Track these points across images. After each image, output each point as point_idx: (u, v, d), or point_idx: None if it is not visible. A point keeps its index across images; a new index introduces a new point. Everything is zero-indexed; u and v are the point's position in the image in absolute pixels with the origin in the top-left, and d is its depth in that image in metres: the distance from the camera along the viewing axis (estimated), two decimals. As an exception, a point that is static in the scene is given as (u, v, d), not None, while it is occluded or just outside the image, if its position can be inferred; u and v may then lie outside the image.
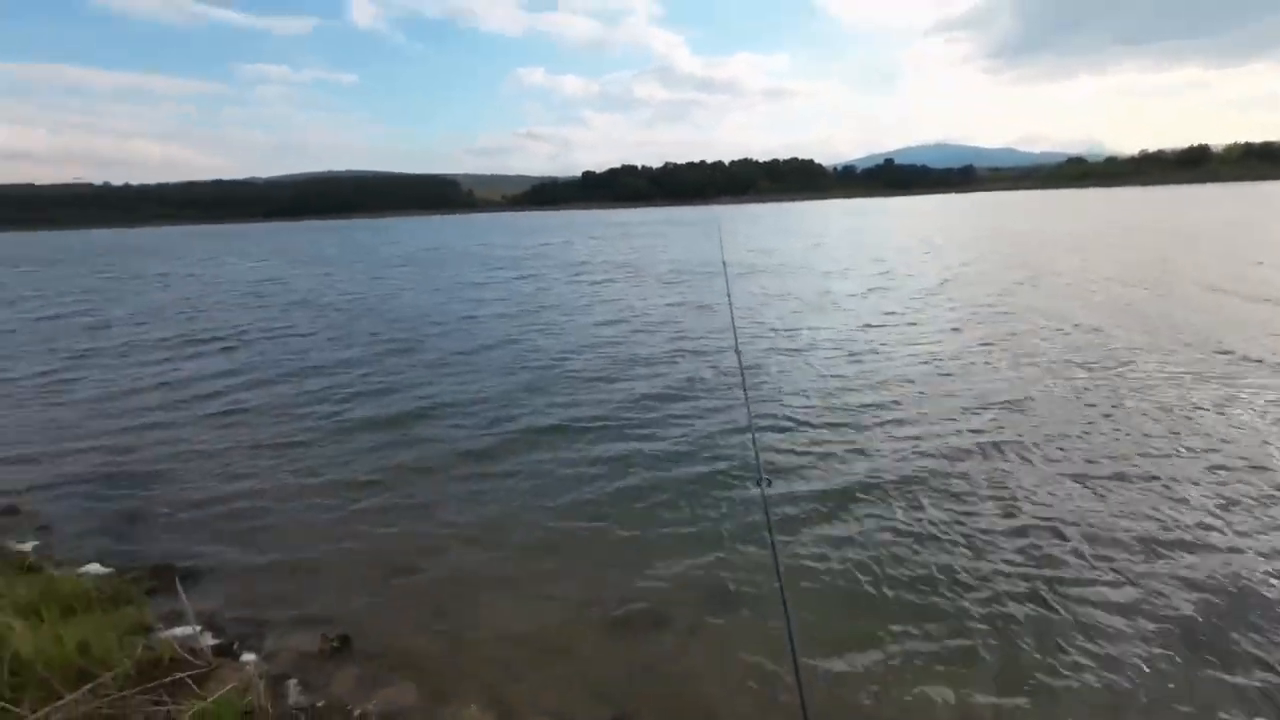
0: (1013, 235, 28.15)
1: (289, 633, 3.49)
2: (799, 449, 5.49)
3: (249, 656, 3.29)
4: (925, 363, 8.01)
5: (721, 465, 5.25)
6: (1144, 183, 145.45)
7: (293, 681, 3.10)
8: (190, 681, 2.90)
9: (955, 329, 9.87)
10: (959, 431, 5.73)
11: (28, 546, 4.43)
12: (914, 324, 10.40)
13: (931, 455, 5.27)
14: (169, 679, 2.87)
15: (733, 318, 5.06)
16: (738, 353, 3.90)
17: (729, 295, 6.25)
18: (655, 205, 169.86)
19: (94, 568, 4.11)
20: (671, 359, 8.74)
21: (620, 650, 3.30)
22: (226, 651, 3.31)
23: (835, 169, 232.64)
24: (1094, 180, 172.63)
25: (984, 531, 4.14)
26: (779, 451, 5.44)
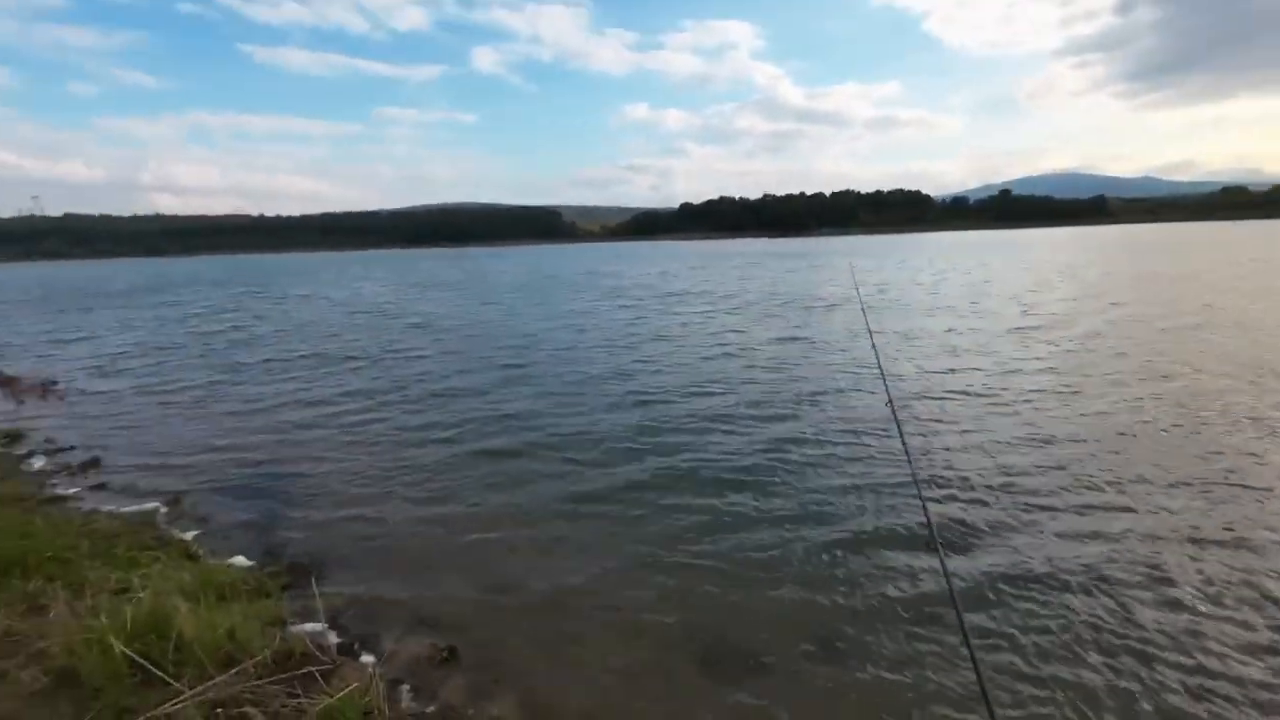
0: (1175, 276, 25.21)
1: (403, 639, 3.68)
2: (960, 514, 4.86)
3: (368, 658, 3.49)
4: (1088, 418, 7.05)
5: (853, 519, 4.85)
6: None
7: (406, 686, 3.25)
8: (319, 676, 3.12)
9: (1119, 383, 8.50)
10: (1148, 510, 4.84)
11: (189, 536, 4.99)
12: (1065, 373, 9.16)
13: (1116, 538, 4.45)
14: (301, 671, 3.10)
15: (879, 361, 4.82)
16: (890, 403, 3.68)
17: (870, 336, 5.70)
18: (752, 236, 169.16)
19: (240, 560, 4.55)
20: (792, 400, 8.18)
21: (718, 690, 3.21)
22: (348, 651, 3.53)
23: (944, 200, 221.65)
24: (1257, 211, 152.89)
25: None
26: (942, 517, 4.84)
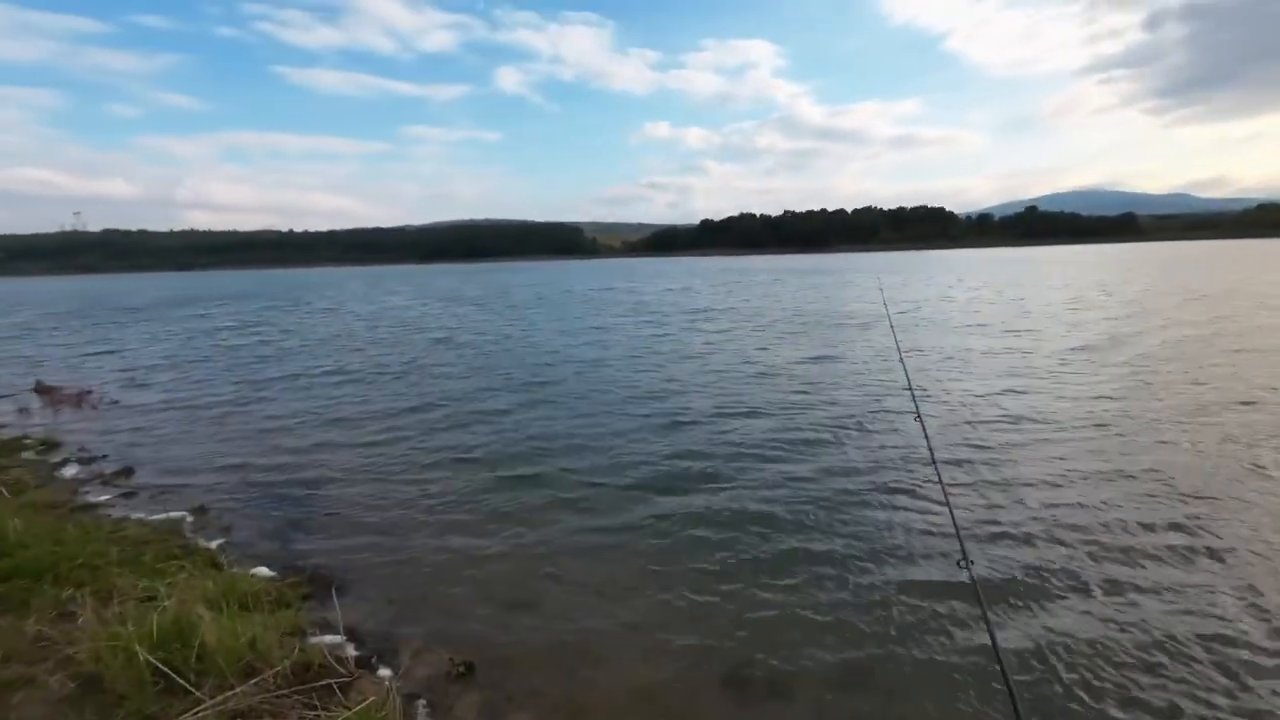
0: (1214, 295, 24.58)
1: (420, 654, 3.67)
2: (1002, 552, 4.59)
3: (385, 671, 3.49)
4: (1147, 449, 6.58)
5: (885, 551, 4.71)
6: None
7: (422, 701, 3.24)
8: (337, 689, 3.12)
9: (1182, 410, 7.95)
10: (1222, 560, 4.39)
11: (214, 544, 5.07)
12: (1117, 398, 8.63)
13: (1172, 591, 4.01)
14: (320, 683, 3.11)
15: (909, 382, 4.71)
16: (924, 430, 3.60)
17: (900, 354, 5.60)
18: (772, 253, 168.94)
19: (262, 570, 4.60)
20: (822, 424, 7.92)
21: (739, 713, 3.15)
22: (366, 664, 3.53)
23: (968, 217, 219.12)
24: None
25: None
26: (979, 539, 4.72)
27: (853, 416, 8.19)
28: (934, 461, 3.05)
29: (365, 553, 4.96)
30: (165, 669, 2.98)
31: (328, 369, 13.35)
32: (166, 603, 3.46)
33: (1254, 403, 8.11)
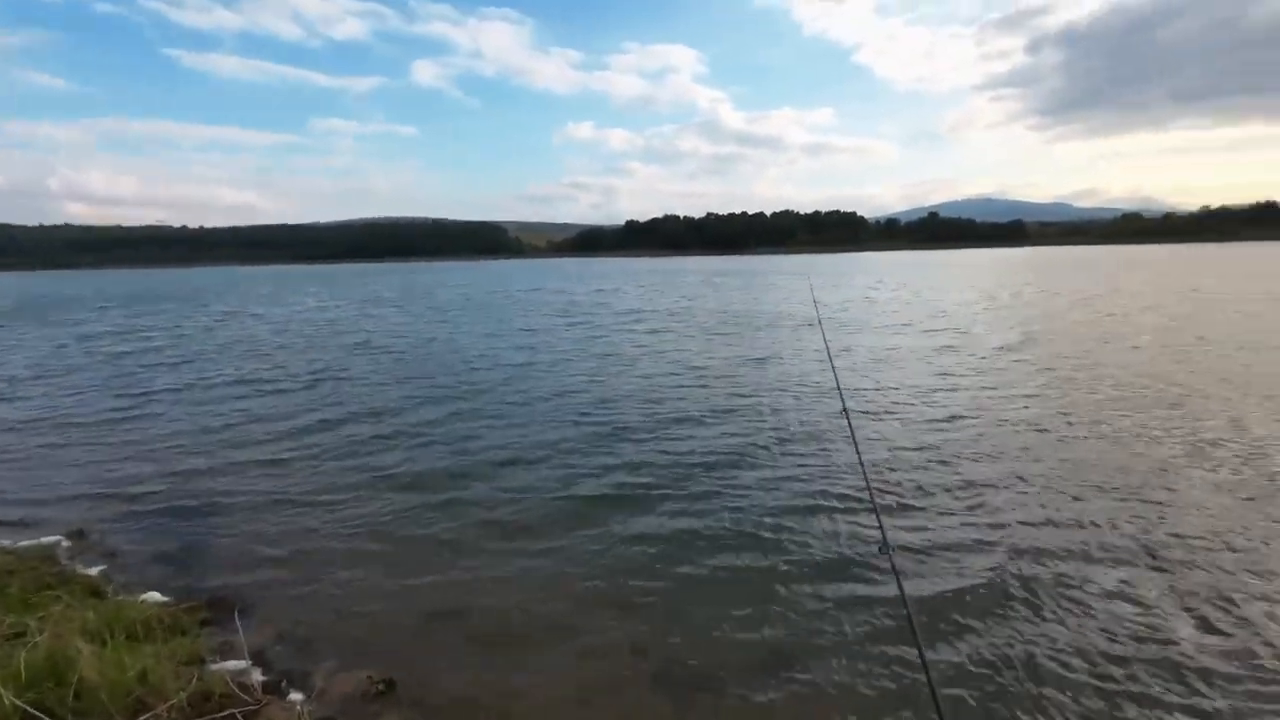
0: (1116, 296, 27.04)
1: (336, 673, 3.47)
2: (917, 534, 4.90)
3: (296, 695, 3.28)
4: (1047, 435, 7.24)
5: (809, 540, 4.89)
6: (1205, 239, 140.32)
7: (338, 724, 3.07)
8: (240, 718, 2.90)
9: (1075, 399, 8.84)
10: (1096, 523, 4.99)
11: (94, 571, 4.59)
12: (1017, 392, 9.32)
13: (1066, 552, 4.55)
14: (222, 714, 2.89)
15: (837, 381, 4.81)
16: (849, 422, 3.74)
17: (829, 355, 5.71)
18: (695, 254, 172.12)
19: (154, 596, 4.21)
20: (749, 422, 8.12)
21: (671, 708, 3.18)
22: (274, 689, 3.31)
23: (878, 221, 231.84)
24: (1152, 237, 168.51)
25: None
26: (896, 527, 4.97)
27: (784, 417, 8.35)
28: (860, 460, 3.20)
29: (274, 570, 4.65)
30: (36, 713, 2.67)
31: (227, 378, 12.36)
32: (38, 638, 3.10)
33: (1158, 395, 8.93)
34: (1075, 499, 5.49)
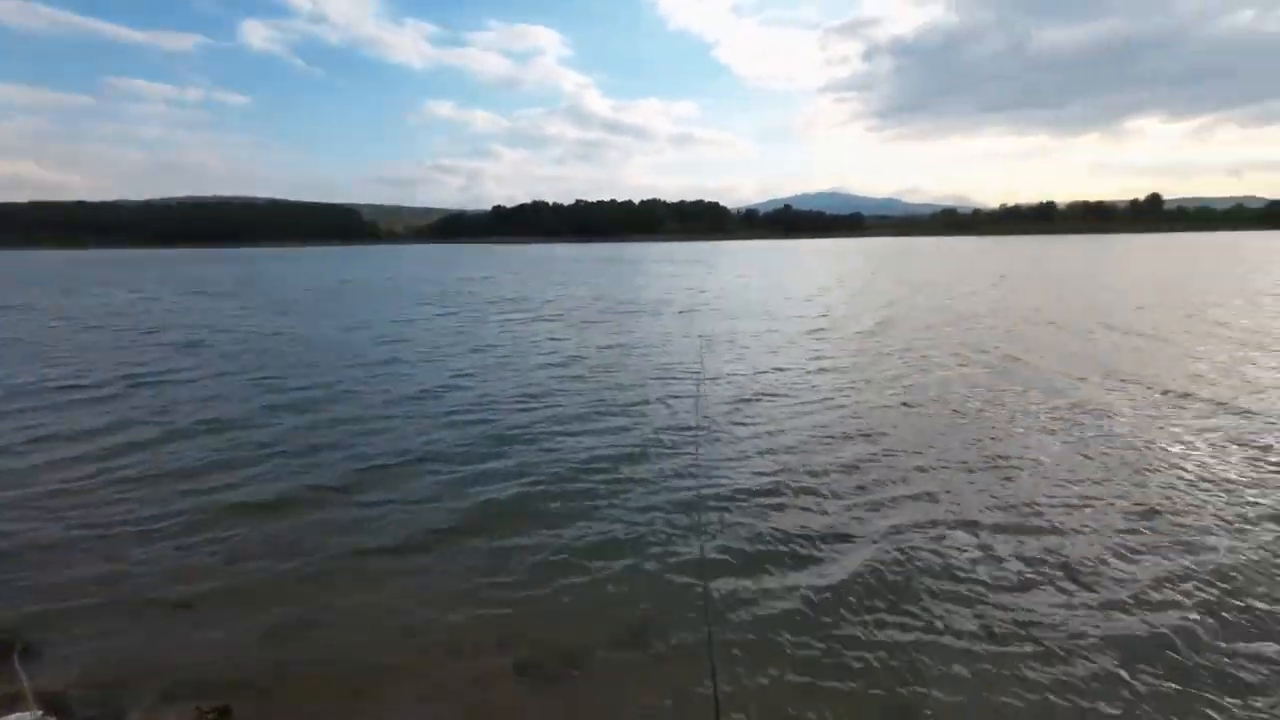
0: (924, 279, 30.27)
1: (158, 707, 3.11)
2: (739, 504, 5.27)
3: (105, 738, 2.82)
4: (877, 411, 8.00)
5: (646, 513, 5.17)
6: (1003, 233, 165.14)
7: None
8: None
9: (910, 380, 10.03)
10: (930, 495, 5.46)
11: None
12: (855, 367, 10.48)
13: (891, 532, 4.94)
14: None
15: (703, 364, 4.96)
16: (697, 398, 3.88)
17: (695, 338, 6.03)
18: (566, 241, 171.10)
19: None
20: (610, 411, 8.09)
21: (535, 694, 3.22)
22: (78, 736, 2.82)
23: (739, 211, 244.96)
24: (963, 229, 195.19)
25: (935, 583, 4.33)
26: (719, 508, 5.22)
27: (642, 401, 8.49)
28: (695, 440, 3.39)
29: (66, 604, 4.01)
30: None
31: (22, 384, 10.27)
32: None
33: (979, 364, 10.53)
34: (889, 460, 6.25)
